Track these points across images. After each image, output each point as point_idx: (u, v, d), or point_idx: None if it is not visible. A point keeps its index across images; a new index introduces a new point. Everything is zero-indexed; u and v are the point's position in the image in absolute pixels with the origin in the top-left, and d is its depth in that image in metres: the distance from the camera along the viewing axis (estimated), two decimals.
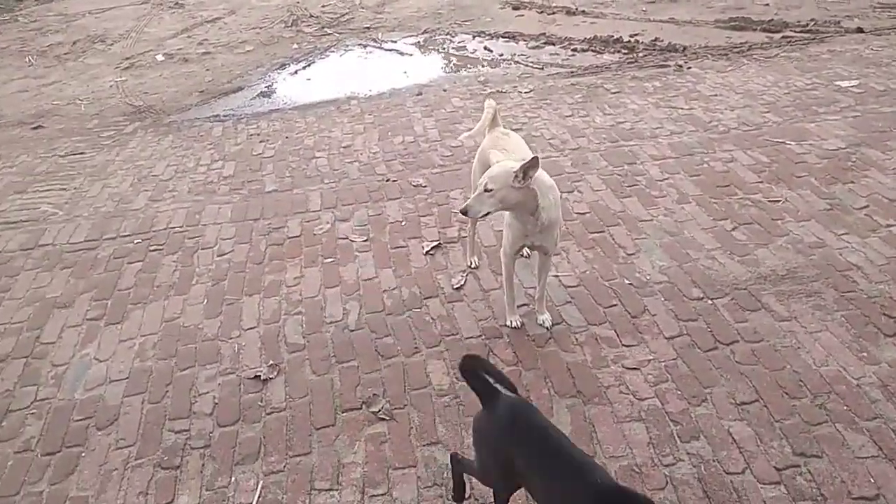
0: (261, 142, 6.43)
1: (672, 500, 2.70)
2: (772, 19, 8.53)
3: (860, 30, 7.91)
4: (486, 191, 3.09)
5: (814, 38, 7.82)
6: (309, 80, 8.34)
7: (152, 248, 4.72)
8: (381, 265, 4.27)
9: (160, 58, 9.40)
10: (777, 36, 8.03)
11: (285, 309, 3.97)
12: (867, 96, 6.02)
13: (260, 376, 3.48)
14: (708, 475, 2.78)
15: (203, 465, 3.05)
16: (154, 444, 3.17)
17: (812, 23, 8.32)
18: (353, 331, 3.74)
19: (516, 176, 3.04)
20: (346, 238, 4.60)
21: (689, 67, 7.18)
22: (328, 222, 4.82)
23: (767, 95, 6.25)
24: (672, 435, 2.96)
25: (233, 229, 4.87)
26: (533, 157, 3.03)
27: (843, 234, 4.12)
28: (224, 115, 7.25)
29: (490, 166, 3.68)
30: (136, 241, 4.81)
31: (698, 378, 3.22)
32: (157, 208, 5.28)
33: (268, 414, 3.27)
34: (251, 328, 3.85)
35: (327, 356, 3.58)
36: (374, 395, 3.29)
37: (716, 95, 6.36)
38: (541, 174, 3.12)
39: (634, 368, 3.31)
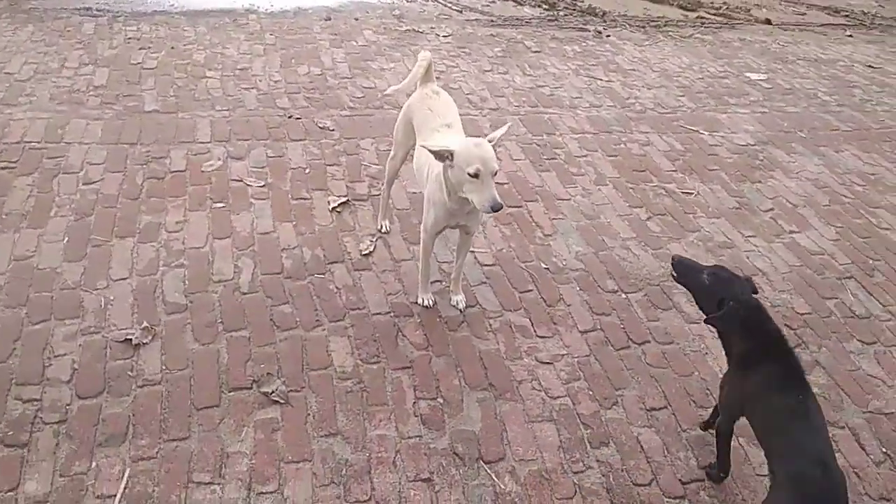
0: (141, 49, 5.63)
1: None
2: None
3: (768, 21, 8.11)
4: (494, 174, 2.75)
5: (726, 23, 7.93)
6: None
7: (2, 164, 3.98)
8: (280, 218, 3.83)
9: None
10: (692, 15, 8.08)
11: (164, 259, 3.46)
12: (774, 92, 6.16)
13: (131, 340, 3.00)
14: (616, 485, 2.70)
15: (57, 444, 2.58)
16: None
17: (724, 6, 8.45)
18: (245, 294, 3.32)
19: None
20: (241, 181, 4.09)
21: (608, 35, 7.06)
22: (219, 158, 4.26)
23: (682, 78, 6.24)
24: (583, 439, 2.86)
25: (103, 153, 4.20)
26: (508, 126, 2.90)
27: (750, 237, 4.17)
28: (98, 10, 6.29)
29: (410, 123, 3.37)
30: None
31: (610, 378, 3.14)
32: (9, 115, 4.47)
33: (139, 387, 2.82)
34: (122, 279, 3.32)
35: (213, 322, 3.15)
36: (268, 373, 2.93)
37: (634, 70, 6.27)
38: None
39: (548, 363, 3.17)
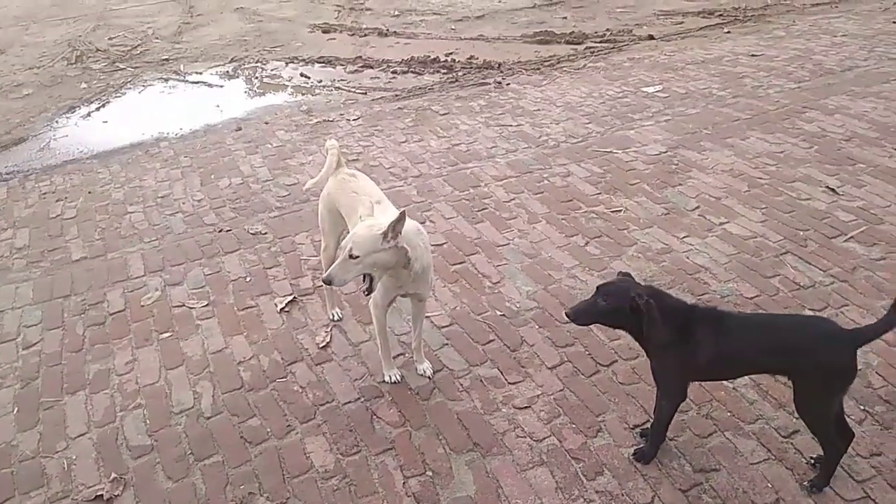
0: (58, 201, 5.58)
1: None
2: (572, 31, 9.01)
3: (651, 37, 8.57)
4: (351, 257, 2.78)
5: (613, 48, 8.34)
6: (106, 122, 7.46)
7: None
8: (229, 332, 3.79)
9: None
10: (581, 47, 8.47)
11: (120, 403, 3.37)
12: (672, 100, 6.47)
13: (102, 496, 2.88)
14: None
15: None
16: None
17: (608, 33, 8.90)
18: (209, 418, 3.24)
19: (385, 237, 2.78)
20: (183, 305, 4.05)
21: (508, 84, 7.34)
22: (157, 289, 4.22)
23: (585, 106, 6.51)
24: (577, 474, 2.84)
25: (38, 313, 4.11)
26: (400, 213, 2.80)
27: (684, 237, 4.31)
28: (7, 174, 6.23)
29: (335, 211, 3.42)
30: None
31: (589, 407, 3.15)
32: None
33: None
34: (81, 435, 3.21)
35: (183, 455, 3.06)
36: (249, 493, 2.85)
37: (539, 110, 6.52)
38: (406, 222, 2.86)
39: (525, 407, 3.17)
